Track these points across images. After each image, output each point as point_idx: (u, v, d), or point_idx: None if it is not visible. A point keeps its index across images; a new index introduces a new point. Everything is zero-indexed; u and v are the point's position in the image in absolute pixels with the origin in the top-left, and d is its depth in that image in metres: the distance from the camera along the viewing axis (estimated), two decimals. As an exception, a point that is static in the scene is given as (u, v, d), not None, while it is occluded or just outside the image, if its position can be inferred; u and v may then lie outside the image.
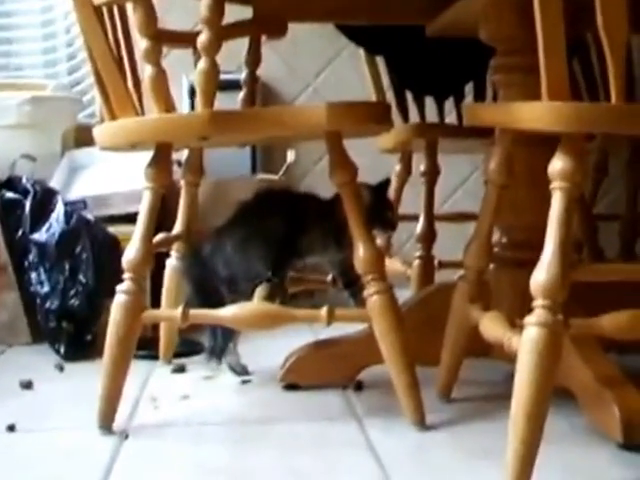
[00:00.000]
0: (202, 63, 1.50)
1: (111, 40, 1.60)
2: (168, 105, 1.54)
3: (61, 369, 2.09)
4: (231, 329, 1.82)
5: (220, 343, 1.88)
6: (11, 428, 1.63)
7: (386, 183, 1.84)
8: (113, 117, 1.61)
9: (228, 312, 1.61)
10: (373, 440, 1.54)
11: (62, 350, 2.21)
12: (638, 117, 1.26)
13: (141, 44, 1.53)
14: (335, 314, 1.59)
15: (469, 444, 1.52)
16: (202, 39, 1.49)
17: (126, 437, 1.58)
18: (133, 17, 1.54)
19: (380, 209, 1.79)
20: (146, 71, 1.54)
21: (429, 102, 2.56)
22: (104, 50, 1.58)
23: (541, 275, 1.23)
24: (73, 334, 2.22)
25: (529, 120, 1.29)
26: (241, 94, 2.05)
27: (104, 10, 1.58)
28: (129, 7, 1.57)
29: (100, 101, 1.65)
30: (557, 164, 1.25)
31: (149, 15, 1.52)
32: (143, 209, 1.61)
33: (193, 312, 1.63)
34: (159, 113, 1.54)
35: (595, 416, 1.50)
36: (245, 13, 1.97)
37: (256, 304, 1.68)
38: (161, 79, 1.54)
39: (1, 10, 3.13)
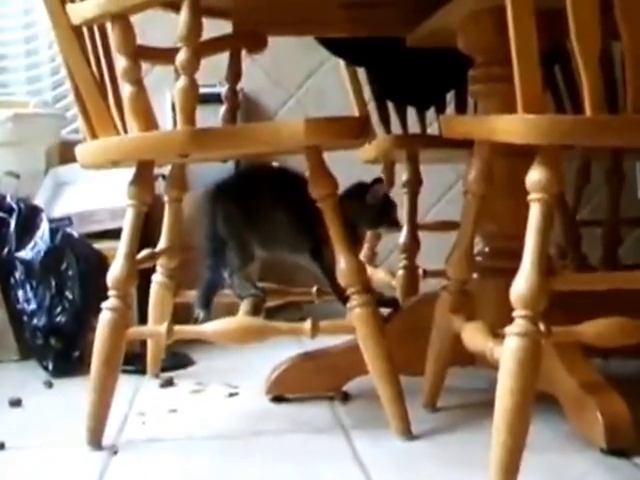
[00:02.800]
0: (181, 81, 1.50)
1: (91, 59, 1.60)
2: (148, 123, 1.55)
3: (50, 385, 2.10)
4: (249, 255, 1.81)
5: (205, 292, 1.84)
6: (1, 446, 1.63)
7: (379, 182, 1.82)
8: (94, 136, 1.62)
9: (212, 327, 1.61)
10: (359, 451, 1.55)
11: (50, 366, 2.22)
12: (613, 129, 1.28)
13: (120, 62, 1.54)
14: (319, 326, 1.60)
15: (455, 453, 1.53)
16: (180, 57, 1.50)
17: (115, 453, 1.59)
18: (111, 35, 1.54)
19: (385, 208, 1.80)
20: (125, 89, 1.55)
21: (410, 111, 2.57)
22: (84, 69, 1.59)
23: (520, 285, 1.25)
24: (61, 350, 2.23)
25: (505, 133, 1.30)
26: (222, 109, 2.06)
27: (84, 29, 1.59)
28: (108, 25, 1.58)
29: (81, 119, 1.65)
30: (534, 175, 1.27)
31: (127, 33, 1.53)
32: (126, 226, 1.62)
33: (178, 328, 1.63)
34: (139, 131, 1.55)
35: (578, 422, 1.51)
36: (225, 27, 1.98)
37: (240, 318, 1.69)
38: (141, 97, 1.55)
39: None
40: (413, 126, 2.56)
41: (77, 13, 1.57)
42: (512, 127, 1.28)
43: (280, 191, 1.80)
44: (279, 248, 1.83)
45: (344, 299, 1.73)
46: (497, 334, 1.38)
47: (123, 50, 1.53)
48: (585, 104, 1.26)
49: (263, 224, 1.78)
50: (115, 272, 1.60)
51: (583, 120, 1.28)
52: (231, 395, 1.95)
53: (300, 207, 1.76)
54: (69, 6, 1.57)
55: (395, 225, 1.86)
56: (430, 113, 2.56)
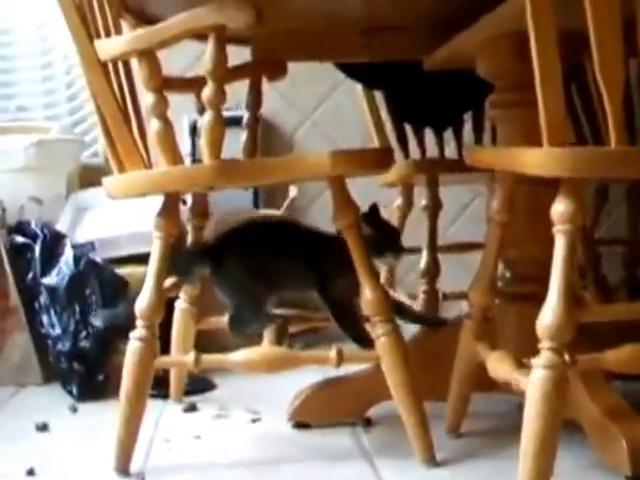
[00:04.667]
0: (208, 115, 1.52)
1: (117, 94, 1.62)
2: (175, 157, 1.58)
3: (74, 410, 2.11)
4: (259, 306, 1.79)
5: (244, 317, 1.82)
6: (30, 472, 1.65)
7: (375, 209, 1.77)
8: (122, 169, 1.64)
9: (238, 357, 1.63)
10: (384, 479, 1.56)
11: (74, 391, 2.23)
12: (637, 162, 1.29)
13: (147, 98, 1.56)
14: (344, 355, 1.62)
15: (479, 481, 1.54)
16: (207, 92, 1.51)
17: (142, 479, 1.61)
18: (138, 71, 1.56)
19: (387, 235, 1.78)
20: (152, 124, 1.57)
21: (428, 132, 2.59)
22: (112, 104, 1.61)
23: (547, 317, 1.27)
24: (85, 375, 2.24)
25: (530, 166, 1.32)
26: (243, 136, 2.08)
27: (109, 65, 1.61)
28: (133, 61, 1.60)
29: (109, 153, 1.67)
30: (559, 207, 1.28)
31: (154, 68, 1.55)
32: (153, 257, 1.64)
33: (205, 357, 1.65)
34: (167, 165, 1.57)
35: (603, 449, 1.52)
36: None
37: (265, 348, 1.69)
38: (168, 132, 1.57)
39: (1, 53, 3.16)
40: (430, 145, 2.58)
41: (105, 49, 1.59)
42: (538, 160, 1.30)
43: (278, 236, 1.81)
44: (289, 289, 1.83)
45: (349, 329, 1.75)
46: (522, 364, 1.40)
47: (150, 85, 1.55)
48: (610, 137, 1.27)
49: (268, 271, 1.76)
50: (143, 303, 1.62)
51: (607, 153, 1.29)
52: (254, 421, 1.96)
53: (303, 245, 1.79)
54: (97, 42, 1.59)
55: (400, 252, 1.83)
56: (447, 132, 2.59)
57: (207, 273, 1.79)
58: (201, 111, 1.70)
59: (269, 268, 1.76)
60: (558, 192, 1.29)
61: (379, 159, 1.64)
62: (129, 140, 1.62)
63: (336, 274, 1.74)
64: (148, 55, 1.54)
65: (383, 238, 1.74)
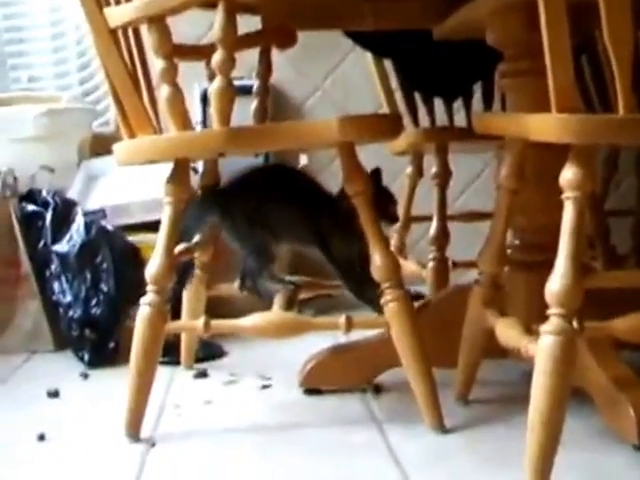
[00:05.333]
0: (217, 82, 1.53)
1: (127, 60, 1.63)
2: (185, 123, 1.58)
3: (85, 377, 2.14)
4: (267, 254, 1.83)
5: (252, 268, 1.87)
6: (41, 437, 1.67)
7: (377, 173, 1.79)
8: (132, 135, 1.64)
9: (248, 322, 1.64)
10: (393, 445, 1.58)
11: (86, 357, 2.25)
12: (646, 128, 1.29)
13: (157, 64, 1.56)
14: (353, 322, 1.63)
15: (488, 447, 1.55)
16: (216, 58, 1.52)
17: (153, 445, 1.62)
18: (148, 38, 1.56)
19: (384, 203, 1.79)
20: (162, 90, 1.57)
21: (437, 101, 2.58)
22: (121, 71, 1.61)
23: (555, 284, 1.27)
24: (96, 342, 2.26)
25: (539, 132, 1.32)
26: (253, 104, 2.08)
27: (119, 32, 1.62)
28: (143, 28, 1.60)
29: (119, 119, 1.68)
30: (567, 174, 1.28)
31: (164, 35, 1.55)
32: (164, 223, 1.64)
33: (215, 322, 1.66)
34: (177, 131, 1.58)
35: (611, 418, 1.52)
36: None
37: (276, 313, 1.71)
38: (178, 98, 1.57)
39: (12, 24, 3.16)
40: (440, 116, 2.58)
41: (114, 16, 1.59)
42: (546, 126, 1.30)
43: (281, 186, 1.82)
44: (291, 240, 1.85)
45: (357, 292, 1.79)
46: (531, 330, 1.41)
47: (160, 52, 1.55)
48: (618, 104, 1.28)
49: (271, 219, 1.80)
50: (153, 268, 1.63)
51: (616, 120, 1.29)
52: (264, 387, 1.97)
53: (303, 199, 1.80)
54: (106, 9, 1.59)
55: (395, 220, 1.86)
56: (457, 103, 2.58)
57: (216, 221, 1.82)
58: (211, 79, 1.70)
59: (270, 216, 1.79)
60: (567, 159, 1.29)
61: (388, 125, 1.64)
62: (139, 106, 1.62)
63: (334, 234, 1.75)
64: (158, 22, 1.54)
65: (380, 204, 1.72)
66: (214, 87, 1.53)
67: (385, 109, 2.62)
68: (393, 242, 2.52)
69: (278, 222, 1.80)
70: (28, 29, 3.17)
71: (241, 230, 1.81)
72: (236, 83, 1.55)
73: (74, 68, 3.17)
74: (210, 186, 1.94)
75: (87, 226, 2.35)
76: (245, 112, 2.02)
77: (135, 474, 1.48)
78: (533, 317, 1.38)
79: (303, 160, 2.85)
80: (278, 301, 1.80)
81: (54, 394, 1.96)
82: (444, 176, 2.48)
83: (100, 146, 2.79)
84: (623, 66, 1.26)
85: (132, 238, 2.41)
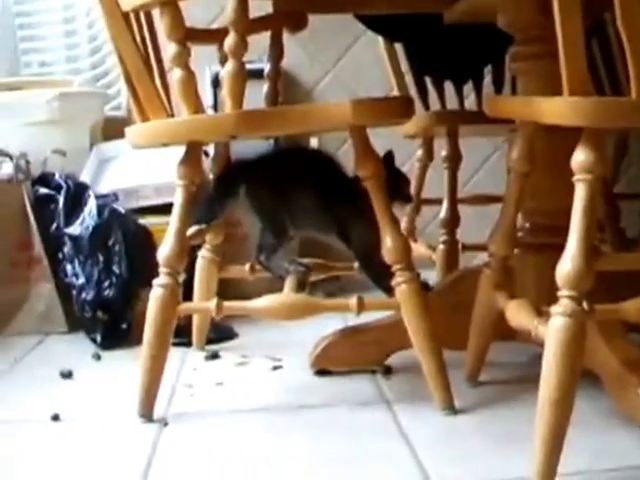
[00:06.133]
0: (229, 65, 1.54)
1: (139, 44, 1.64)
2: (197, 106, 1.59)
3: (98, 358, 2.15)
4: (283, 233, 1.86)
5: (268, 243, 1.89)
6: (55, 418, 1.69)
7: (390, 156, 1.81)
8: (145, 118, 1.66)
9: (260, 304, 1.66)
10: (403, 425, 1.59)
11: (98, 339, 2.26)
12: (658, 112, 1.29)
13: (169, 48, 1.57)
14: (364, 303, 1.64)
15: (497, 428, 1.56)
16: (229, 41, 1.53)
17: (165, 424, 1.64)
18: (160, 21, 1.57)
19: (398, 183, 1.81)
20: (175, 74, 1.58)
21: (448, 85, 2.59)
22: (134, 55, 1.62)
23: (566, 266, 1.28)
24: (108, 323, 2.28)
25: (551, 115, 1.32)
26: (265, 88, 2.10)
27: (131, 15, 1.63)
28: (155, 12, 1.61)
29: (132, 102, 1.69)
30: (579, 157, 1.29)
31: (176, 19, 1.56)
32: (176, 205, 1.66)
33: (227, 304, 1.68)
34: (189, 114, 1.59)
35: (620, 399, 1.53)
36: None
37: (287, 295, 1.73)
38: (190, 81, 1.58)
39: (24, 9, 3.17)
40: (450, 99, 2.58)
41: (127, 0, 1.59)
42: (557, 109, 1.30)
43: (307, 171, 1.83)
44: (309, 228, 1.87)
45: (376, 279, 1.80)
46: (541, 312, 1.41)
47: (173, 36, 1.56)
48: (631, 87, 1.28)
49: (292, 204, 1.82)
50: (166, 250, 1.64)
51: (630, 103, 1.28)
52: (275, 368, 1.99)
53: (327, 187, 1.81)
54: (119, -8, 1.60)
55: (409, 200, 1.87)
56: (467, 87, 2.59)
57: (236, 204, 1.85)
58: (223, 62, 1.70)
59: (292, 203, 1.81)
60: (578, 142, 1.29)
61: (399, 108, 1.65)
62: (151, 90, 1.63)
63: (354, 222, 1.76)
64: (170, 5, 1.55)
65: (394, 185, 1.75)
66: (226, 70, 1.54)
67: (396, 93, 2.62)
68: (403, 225, 2.53)
69: (299, 210, 1.83)
70: (39, 14, 3.17)
71: (264, 205, 1.83)
72: (247, 67, 1.56)
73: (85, 52, 3.18)
74: (239, 160, 1.94)
75: (99, 209, 2.37)
76: (257, 96, 2.03)
77: (148, 453, 1.50)
78: (543, 299, 1.38)
79: (313, 144, 2.85)
80: (289, 283, 1.82)
81: (67, 375, 1.98)
82: (454, 159, 2.49)
83: (112, 130, 2.81)
84: (636, 49, 1.26)
85: (144, 221, 2.43)
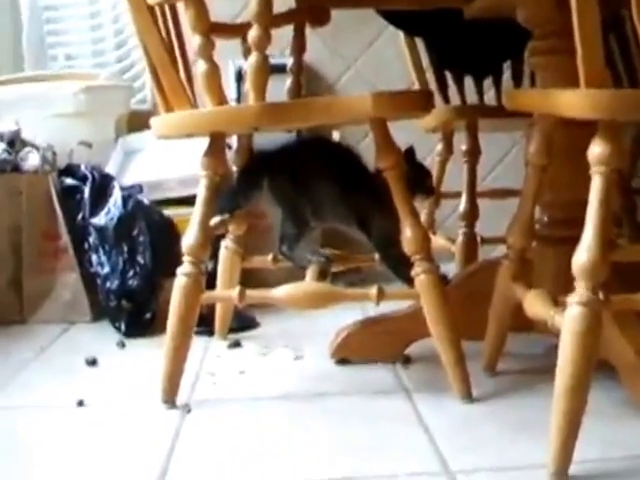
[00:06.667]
0: (253, 58, 1.57)
1: (164, 36, 1.67)
2: (221, 98, 1.62)
3: (123, 346, 2.19)
4: (305, 223, 1.88)
5: (290, 233, 1.91)
6: (81, 403, 1.72)
7: (411, 151, 1.84)
8: (169, 109, 1.69)
9: (282, 292, 1.68)
10: (422, 413, 1.62)
11: (123, 328, 2.30)
12: (675, 105, 1.31)
13: (194, 41, 1.60)
14: (385, 293, 1.67)
15: (514, 417, 1.59)
16: (253, 35, 1.56)
17: (189, 411, 1.67)
18: (185, 15, 1.60)
19: (420, 177, 1.84)
20: (199, 66, 1.61)
21: (467, 79, 2.60)
22: (159, 47, 1.65)
23: (582, 257, 1.30)
24: (133, 312, 2.31)
25: (568, 107, 1.34)
26: (288, 81, 2.13)
27: (156, 8, 1.66)
28: (180, 5, 1.63)
29: (156, 94, 1.72)
30: (596, 149, 1.31)
31: (201, 12, 1.59)
32: (200, 196, 1.69)
33: (249, 292, 1.71)
34: (213, 106, 1.62)
35: (635, 390, 1.55)
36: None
37: (308, 284, 1.75)
38: (214, 73, 1.61)
39: (51, 3, 3.21)
40: (470, 94, 2.60)
41: (153, -6, 1.63)
42: (575, 103, 1.32)
43: (328, 163, 1.85)
44: (329, 219, 1.89)
45: (396, 270, 1.82)
46: (557, 302, 1.43)
47: (198, 29, 1.59)
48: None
49: (313, 195, 1.84)
50: (190, 239, 1.67)
51: (645, 96, 1.31)
52: (296, 358, 2.02)
53: (347, 179, 1.83)
54: (146, -13, 1.63)
55: (430, 193, 1.89)
56: (486, 81, 2.60)
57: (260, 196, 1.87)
58: (246, 55, 1.73)
59: (315, 195, 1.83)
60: (595, 135, 1.31)
61: (420, 101, 1.68)
62: (176, 82, 1.66)
63: (375, 215, 1.79)
64: (195, -1, 1.58)
65: (416, 179, 1.78)
66: (250, 63, 1.57)
67: (416, 87, 2.64)
68: (423, 218, 2.54)
69: (319, 201, 1.85)
70: (66, 8, 3.21)
71: (286, 196, 1.85)
72: (270, 61, 1.58)
73: (110, 46, 3.22)
74: (262, 152, 1.95)
75: (124, 200, 2.40)
76: (279, 90, 2.06)
77: (171, 438, 1.53)
78: (560, 290, 1.40)
79: (335, 136, 2.87)
80: (310, 273, 1.84)
81: (92, 362, 2.02)
82: (474, 153, 2.51)
83: (137, 123, 2.84)
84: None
85: (167, 212, 2.46)
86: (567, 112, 1.35)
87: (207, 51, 1.60)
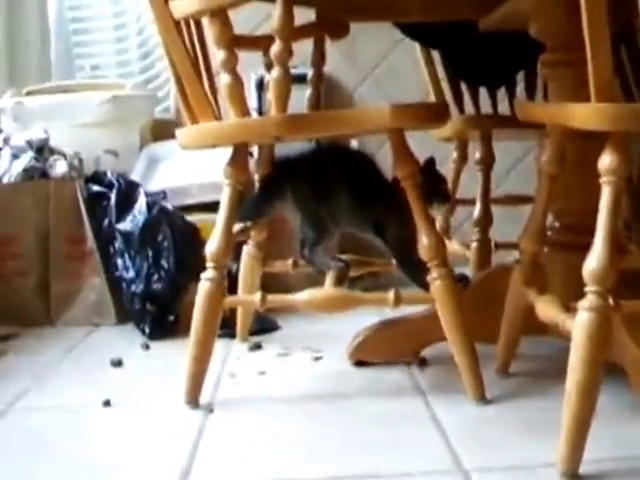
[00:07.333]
0: (275, 71, 1.61)
1: (189, 49, 1.71)
2: (244, 110, 1.67)
3: (147, 347, 2.23)
4: (324, 229, 1.90)
5: (310, 238, 1.93)
6: (107, 403, 1.76)
7: (431, 162, 1.86)
8: (194, 121, 1.73)
9: (302, 297, 1.73)
10: (437, 414, 1.65)
11: (147, 330, 2.34)
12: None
13: (218, 54, 1.64)
14: (401, 297, 1.71)
15: (526, 419, 1.61)
16: (275, 49, 1.60)
17: (211, 411, 1.71)
18: (209, 29, 1.64)
19: (436, 184, 1.86)
20: (223, 79, 1.65)
21: (482, 90, 2.64)
22: (185, 60, 1.70)
23: (592, 263, 1.33)
24: (157, 315, 2.35)
25: (579, 120, 1.38)
26: (307, 92, 2.17)
27: (182, 22, 1.70)
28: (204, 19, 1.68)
29: (182, 105, 1.76)
30: (605, 160, 1.35)
31: (225, 26, 1.63)
32: (223, 204, 1.73)
33: (270, 297, 1.75)
34: (236, 117, 1.66)
35: (644, 392, 1.58)
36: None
37: (327, 289, 1.79)
38: (238, 86, 1.65)
39: (78, 15, 3.29)
40: (484, 104, 2.64)
41: (179, 8, 1.67)
42: (585, 115, 1.36)
43: (346, 170, 1.88)
44: (347, 225, 1.92)
45: (412, 275, 1.84)
46: (569, 307, 1.46)
47: (221, 42, 1.63)
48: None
49: (331, 202, 1.86)
50: (213, 245, 1.71)
51: (652, 109, 1.35)
52: (315, 359, 2.06)
53: (364, 186, 1.86)
54: (172, 2, 1.68)
55: (447, 201, 1.91)
56: (500, 92, 2.64)
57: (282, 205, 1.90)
58: (268, 67, 1.79)
59: (333, 202, 1.85)
60: (605, 145, 1.35)
61: (436, 113, 1.72)
62: (201, 94, 1.71)
63: (392, 222, 1.83)
64: (219, 14, 1.62)
65: (432, 187, 1.81)
66: (273, 76, 1.61)
67: (432, 97, 2.68)
68: (438, 224, 2.58)
69: (338, 208, 1.87)
70: (93, 20, 3.29)
71: (306, 202, 1.87)
72: (291, 72, 1.63)
73: (135, 57, 3.29)
74: (283, 160, 1.98)
75: (149, 206, 2.45)
76: (299, 99, 2.10)
77: (194, 437, 1.57)
78: (571, 295, 1.43)
79: (354, 145, 2.92)
80: (329, 278, 1.87)
81: (118, 363, 2.06)
82: (488, 162, 2.55)
83: (161, 131, 2.90)
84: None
85: (191, 218, 2.50)
86: (578, 124, 1.39)
87: (231, 64, 1.64)
